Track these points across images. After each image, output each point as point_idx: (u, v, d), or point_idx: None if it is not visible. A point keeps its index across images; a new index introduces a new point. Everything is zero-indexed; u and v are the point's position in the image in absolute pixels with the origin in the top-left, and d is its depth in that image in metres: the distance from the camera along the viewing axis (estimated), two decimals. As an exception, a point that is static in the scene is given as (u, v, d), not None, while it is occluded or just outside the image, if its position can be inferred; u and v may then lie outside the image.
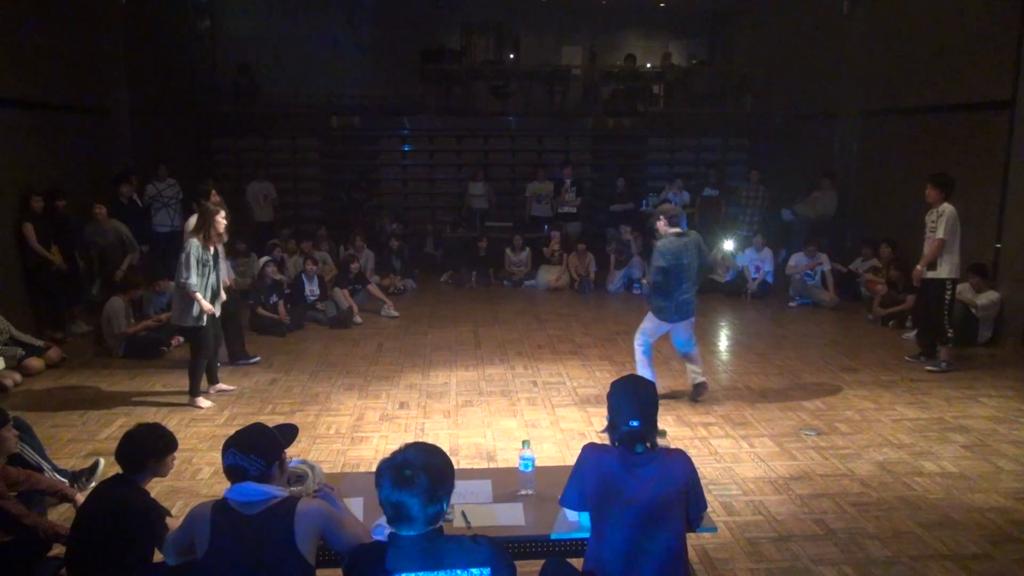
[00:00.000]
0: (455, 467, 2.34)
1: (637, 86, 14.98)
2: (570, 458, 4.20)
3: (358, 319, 8.83)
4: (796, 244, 10.68)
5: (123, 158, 9.92)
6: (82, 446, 5.25)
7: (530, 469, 3.26)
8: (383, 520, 2.33)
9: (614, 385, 2.92)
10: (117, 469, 3.19)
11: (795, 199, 11.32)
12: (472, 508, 3.10)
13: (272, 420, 2.96)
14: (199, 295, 5.81)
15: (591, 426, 5.61)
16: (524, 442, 3.41)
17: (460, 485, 2.53)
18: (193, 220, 6.09)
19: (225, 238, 6.18)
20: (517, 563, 2.39)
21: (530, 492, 3.23)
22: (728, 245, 10.56)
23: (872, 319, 8.85)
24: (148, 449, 3.16)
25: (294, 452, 4.38)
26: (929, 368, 6.95)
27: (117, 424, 5.62)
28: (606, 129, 14.23)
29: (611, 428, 2.81)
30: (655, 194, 12.09)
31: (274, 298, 8.45)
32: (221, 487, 3.04)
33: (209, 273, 5.94)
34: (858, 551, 3.93)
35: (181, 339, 7.59)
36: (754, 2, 14.18)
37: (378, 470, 2.25)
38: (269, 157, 13.48)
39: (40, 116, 8.33)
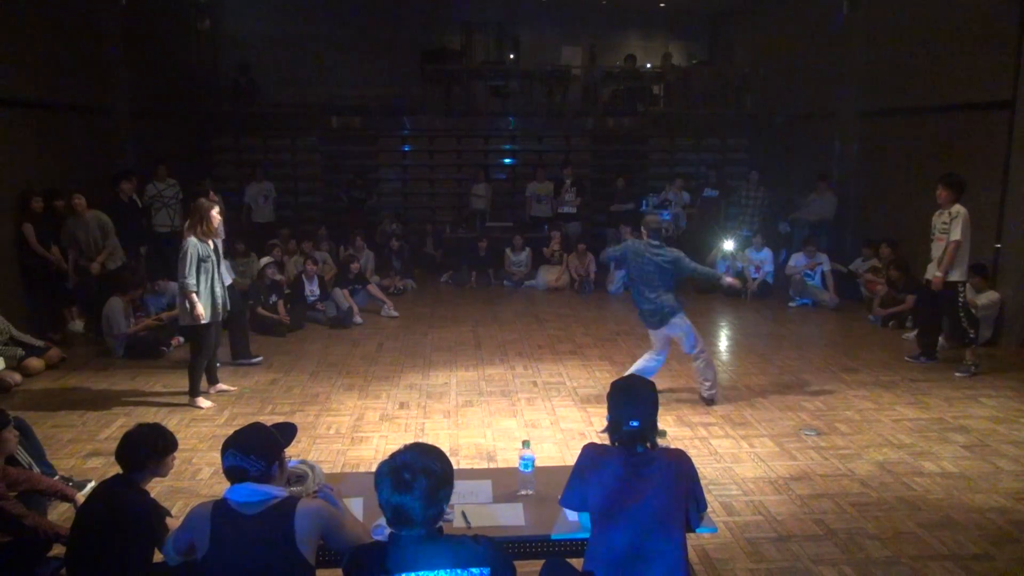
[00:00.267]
0: (455, 467, 2.34)
1: (637, 86, 14.98)
2: (570, 458, 4.21)
3: (358, 319, 8.83)
4: (796, 244, 10.69)
5: (123, 158, 9.92)
6: (82, 446, 5.25)
7: (530, 469, 3.26)
8: (383, 520, 2.33)
9: (614, 385, 2.92)
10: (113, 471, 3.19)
11: (793, 202, 11.31)
12: (472, 508, 3.10)
13: (272, 420, 2.96)
14: (195, 296, 5.80)
15: (591, 426, 5.61)
16: (524, 442, 3.41)
17: (460, 485, 2.53)
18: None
19: (222, 234, 6.17)
20: (517, 563, 2.39)
21: (530, 492, 3.23)
22: (728, 245, 10.57)
23: (872, 319, 8.85)
24: (148, 449, 3.16)
25: (294, 452, 4.38)
26: (959, 374, 6.76)
27: (117, 424, 5.62)
28: (606, 129, 14.23)
29: (611, 428, 2.81)
30: (655, 194, 12.09)
31: (273, 298, 8.46)
32: (221, 487, 3.04)
33: (212, 269, 5.93)
34: (858, 551, 3.93)
35: (181, 339, 7.60)
36: (754, 2, 14.18)
37: (377, 473, 2.25)
38: (269, 157, 13.48)
39: (40, 116, 8.33)
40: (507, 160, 14.19)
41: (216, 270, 5.99)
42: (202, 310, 5.84)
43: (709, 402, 6.07)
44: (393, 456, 2.26)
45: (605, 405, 2.90)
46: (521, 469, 3.28)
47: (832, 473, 4.85)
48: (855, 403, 6.13)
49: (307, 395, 6.34)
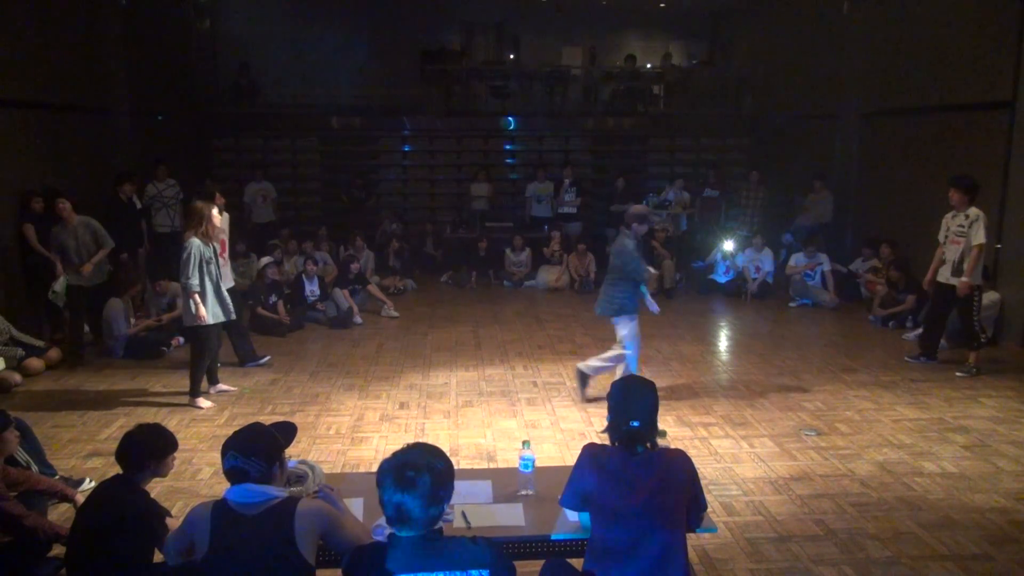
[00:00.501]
0: (455, 467, 2.34)
1: (637, 86, 14.99)
2: (570, 458, 4.21)
3: (358, 319, 8.83)
4: (796, 244, 10.68)
5: (123, 158, 9.92)
6: (82, 446, 5.25)
7: (530, 469, 3.27)
8: (383, 520, 2.34)
9: (614, 385, 2.92)
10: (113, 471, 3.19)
11: (792, 203, 11.30)
12: (472, 508, 3.10)
13: (272, 421, 2.95)
14: (198, 296, 5.81)
15: (591, 426, 5.61)
16: (524, 442, 3.41)
17: (460, 485, 2.53)
18: None
19: (224, 233, 6.17)
20: (517, 563, 2.39)
21: (530, 492, 3.23)
22: (728, 245, 10.57)
23: (872, 319, 8.85)
24: (148, 449, 3.16)
25: (294, 452, 4.38)
26: (960, 374, 6.76)
27: (117, 424, 5.62)
28: (606, 129, 14.24)
29: (611, 428, 2.81)
30: (655, 194, 12.09)
31: (273, 298, 8.46)
32: (221, 487, 3.04)
33: (215, 270, 5.95)
34: (858, 551, 3.93)
35: (181, 340, 7.60)
36: (754, 2, 14.19)
37: (380, 470, 2.25)
38: (269, 157, 13.48)
39: (40, 116, 8.33)
40: (508, 160, 14.19)
41: (218, 271, 6.00)
42: (205, 311, 5.85)
43: (580, 374, 6.11)
44: (396, 454, 2.27)
45: (605, 405, 2.90)
46: (521, 469, 3.28)
47: (832, 473, 4.85)
48: (855, 403, 6.13)
49: (307, 395, 6.34)
